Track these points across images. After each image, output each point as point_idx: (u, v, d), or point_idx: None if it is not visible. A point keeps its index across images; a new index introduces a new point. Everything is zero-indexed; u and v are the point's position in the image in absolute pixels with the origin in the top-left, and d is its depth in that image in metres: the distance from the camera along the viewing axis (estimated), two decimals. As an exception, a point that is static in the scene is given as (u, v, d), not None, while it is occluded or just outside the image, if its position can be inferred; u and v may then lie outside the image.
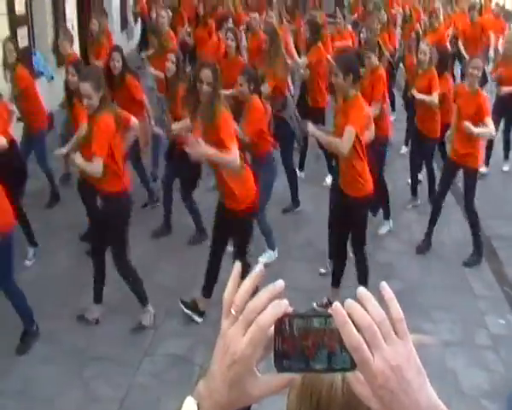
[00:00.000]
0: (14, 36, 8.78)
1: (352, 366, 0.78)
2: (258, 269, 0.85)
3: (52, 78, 10.34)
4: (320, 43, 8.47)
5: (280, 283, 0.82)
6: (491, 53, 11.82)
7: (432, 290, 6.12)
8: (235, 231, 5.41)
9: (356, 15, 15.71)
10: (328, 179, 8.55)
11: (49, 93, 10.23)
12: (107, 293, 5.59)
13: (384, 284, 0.81)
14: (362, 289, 0.80)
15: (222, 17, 10.48)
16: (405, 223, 7.61)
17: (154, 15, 12.17)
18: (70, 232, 6.97)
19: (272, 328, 0.79)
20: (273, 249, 6.53)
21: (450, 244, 7.09)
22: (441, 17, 13.07)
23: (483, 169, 8.43)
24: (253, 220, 5.56)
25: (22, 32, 9.16)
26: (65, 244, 6.79)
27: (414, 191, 8.12)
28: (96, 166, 4.80)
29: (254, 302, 0.80)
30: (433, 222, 6.93)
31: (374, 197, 5.58)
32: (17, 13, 8.98)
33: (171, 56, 6.61)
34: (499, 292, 6.25)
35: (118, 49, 7.39)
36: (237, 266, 0.86)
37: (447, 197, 7.24)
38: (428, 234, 6.95)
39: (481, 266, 6.70)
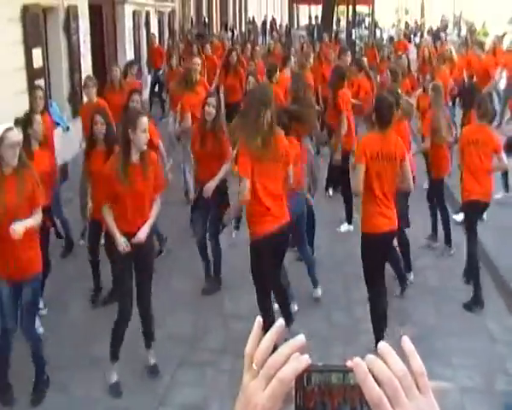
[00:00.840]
0: (31, 87, 8.97)
1: None
2: (278, 324, 0.86)
3: (68, 128, 10.50)
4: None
5: (300, 337, 0.83)
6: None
7: (449, 335, 6.03)
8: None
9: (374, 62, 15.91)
10: (344, 227, 8.52)
11: (65, 143, 10.39)
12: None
13: (405, 338, 0.81)
14: (382, 344, 0.80)
15: (270, 67, 10.59)
16: (420, 267, 7.54)
17: (174, 62, 12.27)
18: (83, 283, 6.97)
19: (293, 382, 0.79)
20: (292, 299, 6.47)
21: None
22: (454, 56, 13.19)
23: (498, 195, 8.61)
24: None
25: (39, 84, 9.35)
26: (77, 295, 6.78)
27: (433, 230, 8.10)
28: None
29: (275, 357, 0.81)
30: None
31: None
32: (35, 66, 9.19)
33: (212, 100, 6.59)
34: (518, 337, 6.16)
35: (137, 91, 7.51)
36: (258, 320, 0.88)
37: (459, 239, 7.21)
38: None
39: (499, 309, 6.62)
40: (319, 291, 6.70)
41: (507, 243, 7.88)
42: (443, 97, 7.75)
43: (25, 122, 5.98)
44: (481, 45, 14.97)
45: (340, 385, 0.78)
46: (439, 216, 7.94)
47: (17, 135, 4.69)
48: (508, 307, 6.69)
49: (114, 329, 5.14)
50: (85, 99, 8.67)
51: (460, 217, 8.33)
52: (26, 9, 8.87)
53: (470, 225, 6.90)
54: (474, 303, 6.64)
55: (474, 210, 6.86)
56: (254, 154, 5.04)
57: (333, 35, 21.87)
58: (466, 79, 13.34)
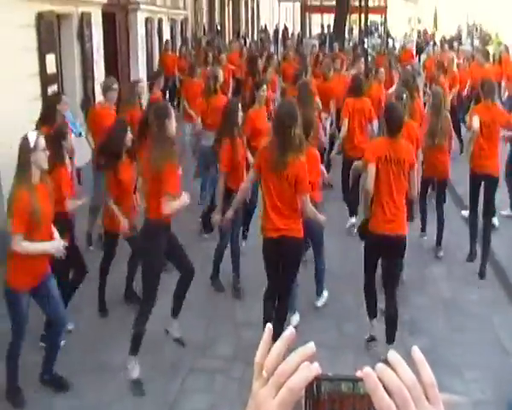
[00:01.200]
0: (45, 93, 9.03)
1: None
2: (288, 331, 0.85)
3: (80, 134, 10.54)
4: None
5: (311, 346, 0.82)
6: None
7: (461, 347, 5.98)
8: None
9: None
10: (350, 221, 8.70)
11: (77, 149, 10.43)
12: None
13: (415, 348, 0.81)
14: (392, 353, 0.80)
15: (298, 72, 10.90)
16: (432, 278, 7.51)
17: (198, 72, 11.94)
18: (92, 288, 6.98)
19: (303, 390, 0.79)
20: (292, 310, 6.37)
21: (478, 300, 6.96)
22: (454, 68, 13.14)
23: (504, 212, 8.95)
24: None
25: (52, 90, 9.40)
26: (88, 300, 6.77)
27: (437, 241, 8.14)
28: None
29: (285, 365, 0.80)
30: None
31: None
32: (48, 72, 9.24)
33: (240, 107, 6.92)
34: (531, 349, 6.09)
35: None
36: (268, 328, 0.87)
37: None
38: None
39: None
40: (321, 301, 6.73)
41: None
42: (442, 104, 7.80)
43: (58, 135, 5.94)
44: (486, 54, 14.97)
45: (349, 394, 0.77)
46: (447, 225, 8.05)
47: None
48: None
49: (139, 320, 5.24)
50: (101, 102, 8.48)
51: (467, 213, 8.37)
52: (40, 16, 8.92)
53: (473, 196, 7.67)
54: (470, 257, 7.73)
55: (480, 181, 7.50)
56: (266, 162, 5.17)
57: (348, 44, 21.88)
58: (466, 91, 13.28)
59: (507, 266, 7.53)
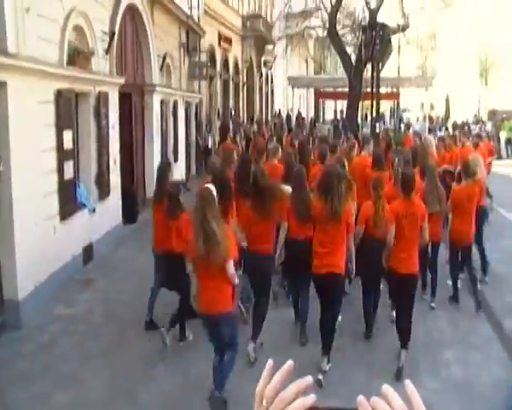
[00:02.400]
0: (61, 169, 9.19)
1: None
2: (288, 363, 0.90)
3: (94, 210, 10.68)
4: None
5: (308, 378, 0.87)
6: None
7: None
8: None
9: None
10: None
11: (91, 225, 10.54)
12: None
13: (408, 382, 0.84)
14: (386, 386, 0.83)
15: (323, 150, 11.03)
16: (444, 360, 7.33)
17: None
18: (104, 359, 6.92)
19: None
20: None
21: (492, 384, 6.76)
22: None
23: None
24: None
25: (68, 166, 9.56)
26: (98, 371, 6.72)
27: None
28: None
29: (283, 394, 0.85)
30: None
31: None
32: (65, 148, 9.42)
33: None
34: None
35: None
36: (269, 363, 0.91)
37: (488, 333, 7.04)
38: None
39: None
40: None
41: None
42: (435, 176, 8.99)
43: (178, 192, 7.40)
44: (453, 138, 15.51)
45: None
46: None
47: None
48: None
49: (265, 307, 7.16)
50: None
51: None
52: (59, 93, 9.18)
53: (453, 257, 9.06)
54: (453, 299, 9.03)
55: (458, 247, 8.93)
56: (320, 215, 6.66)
57: (361, 129, 22.06)
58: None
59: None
